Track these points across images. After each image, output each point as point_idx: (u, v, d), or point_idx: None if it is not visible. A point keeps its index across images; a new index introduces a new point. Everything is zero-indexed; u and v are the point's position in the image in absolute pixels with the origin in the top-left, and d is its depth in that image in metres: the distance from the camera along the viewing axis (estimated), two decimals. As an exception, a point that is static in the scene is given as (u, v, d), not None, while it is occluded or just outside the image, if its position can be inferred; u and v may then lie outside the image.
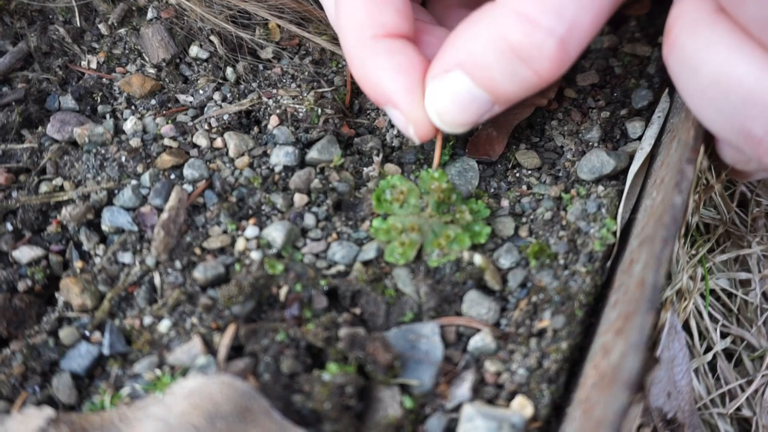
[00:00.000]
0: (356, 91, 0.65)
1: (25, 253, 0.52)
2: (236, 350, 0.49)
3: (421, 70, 0.50)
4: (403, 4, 0.51)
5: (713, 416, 0.54)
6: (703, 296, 0.57)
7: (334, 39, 0.64)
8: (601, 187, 0.58)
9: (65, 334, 0.49)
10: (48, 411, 0.41)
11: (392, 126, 0.63)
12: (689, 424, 0.49)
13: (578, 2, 0.44)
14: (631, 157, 0.59)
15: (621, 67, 0.68)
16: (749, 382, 0.55)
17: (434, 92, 0.50)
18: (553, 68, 0.46)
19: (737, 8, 0.40)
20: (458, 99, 0.49)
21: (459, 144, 0.63)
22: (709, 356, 0.55)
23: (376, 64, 0.50)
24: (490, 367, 0.49)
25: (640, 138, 0.61)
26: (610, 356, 0.42)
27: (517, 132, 0.64)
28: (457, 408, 0.47)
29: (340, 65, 0.65)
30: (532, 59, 0.45)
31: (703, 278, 0.57)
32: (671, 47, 0.44)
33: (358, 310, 0.52)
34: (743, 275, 0.59)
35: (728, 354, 0.58)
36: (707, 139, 0.52)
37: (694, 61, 0.43)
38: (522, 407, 0.47)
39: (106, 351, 0.48)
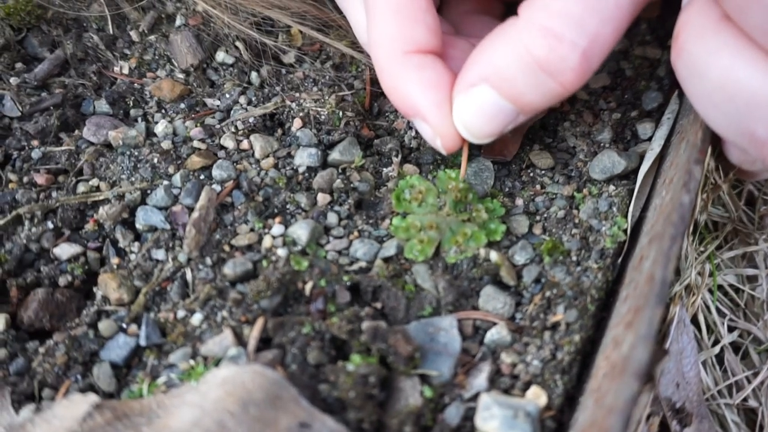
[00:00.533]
0: (375, 95, 0.67)
1: (65, 250, 0.55)
2: (265, 342, 0.51)
3: (449, 85, 0.53)
4: (434, 21, 0.53)
5: (720, 407, 0.56)
6: (711, 291, 0.59)
7: (354, 44, 0.67)
8: (612, 187, 0.60)
9: (104, 326, 0.52)
10: (93, 397, 0.44)
11: (410, 128, 0.65)
12: (697, 414, 0.52)
13: (599, 15, 0.46)
14: (642, 157, 0.61)
15: (632, 69, 0.70)
16: (755, 374, 0.57)
17: (461, 106, 0.52)
18: (577, 79, 0.48)
19: (742, 16, 0.42)
20: (484, 111, 0.51)
21: (475, 145, 0.66)
22: (717, 349, 0.57)
23: (407, 78, 0.53)
24: (506, 358, 0.51)
25: (650, 139, 0.63)
26: (621, 348, 0.45)
27: (530, 133, 0.66)
28: (475, 397, 0.50)
29: (359, 69, 0.68)
30: (557, 72, 0.47)
31: (711, 274, 0.59)
32: (679, 52, 0.47)
33: (379, 305, 0.55)
34: (750, 271, 0.61)
35: (735, 347, 0.60)
36: (714, 141, 0.54)
37: (701, 66, 0.45)
38: (536, 397, 0.49)
39: (142, 342, 0.51)
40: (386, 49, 0.53)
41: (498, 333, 0.52)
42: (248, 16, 0.65)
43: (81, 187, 0.57)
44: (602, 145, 0.64)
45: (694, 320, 0.57)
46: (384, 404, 0.49)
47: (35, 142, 0.59)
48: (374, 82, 0.67)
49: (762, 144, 0.45)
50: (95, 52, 0.63)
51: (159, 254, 0.55)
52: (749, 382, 0.56)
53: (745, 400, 0.56)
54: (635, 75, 0.69)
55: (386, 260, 0.57)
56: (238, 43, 0.66)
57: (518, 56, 0.48)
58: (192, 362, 0.50)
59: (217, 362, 0.49)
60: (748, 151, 0.47)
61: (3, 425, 0.43)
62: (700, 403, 0.53)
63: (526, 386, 0.50)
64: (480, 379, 0.50)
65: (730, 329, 0.59)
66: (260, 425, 0.42)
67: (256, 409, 0.43)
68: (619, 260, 0.56)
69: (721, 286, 0.61)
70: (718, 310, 0.59)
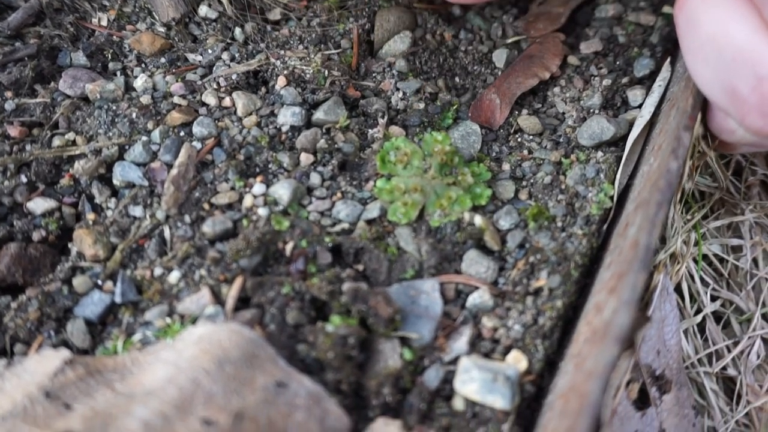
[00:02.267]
0: (362, 54, 0.65)
1: (39, 205, 0.53)
2: (243, 301, 0.50)
3: None
4: None
5: (700, 375, 0.56)
6: (695, 260, 0.59)
7: (341, 0, 0.65)
8: (600, 153, 0.59)
9: (78, 282, 0.51)
10: (65, 352, 0.43)
11: (397, 89, 0.64)
12: (676, 381, 0.52)
13: None
14: (631, 124, 0.60)
15: (624, 35, 0.69)
16: (736, 344, 0.57)
17: None
18: None
19: None
20: None
21: (462, 109, 0.64)
22: (699, 318, 0.57)
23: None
24: (487, 323, 0.51)
25: (640, 106, 0.62)
26: (603, 313, 0.44)
27: (519, 98, 0.65)
28: (455, 361, 0.49)
29: (346, 28, 0.66)
30: None
31: (696, 243, 0.59)
32: (681, 4, 0.47)
33: (361, 267, 0.54)
34: (735, 241, 0.61)
35: (717, 316, 0.60)
36: (704, 108, 0.54)
37: (697, 16, 0.46)
38: (516, 361, 0.49)
39: (118, 299, 0.50)
40: None
41: (480, 297, 0.52)
42: (233, -31, 0.63)
43: (56, 141, 0.56)
44: (591, 111, 0.63)
45: (678, 289, 0.57)
46: (363, 366, 0.49)
47: (9, 94, 0.57)
48: (361, 41, 0.66)
49: (742, 102, 0.45)
50: (72, 2, 0.61)
51: (136, 211, 0.54)
52: (729, 351, 0.56)
53: (724, 368, 0.56)
54: (628, 41, 0.68)
55: (369, 222, 0.56)
56: (222, -3, 0.64)
57: None
58: (168, 320, 0.49)
59: (193, 320, 0.49)
60: (728, 111, 0.47)
61: (-28, 379, 0.42)
62: (680, 370, 0.53)
63: (507, 350, 0.49)
64: (460, 342, 0.50)
65: (713, 298, 0.59)
66: (236, 383, 0.42)
67: (231, 367, 0.42)
68: (605, 227, 0.56)
69: (706, 255, 0.60)
70: (702, 279, 0.58)
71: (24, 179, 0.54)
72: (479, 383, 0.46)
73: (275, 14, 0.66)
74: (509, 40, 0.69)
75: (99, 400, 0.41)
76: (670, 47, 0.66)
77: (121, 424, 0.37)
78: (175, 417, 0.38)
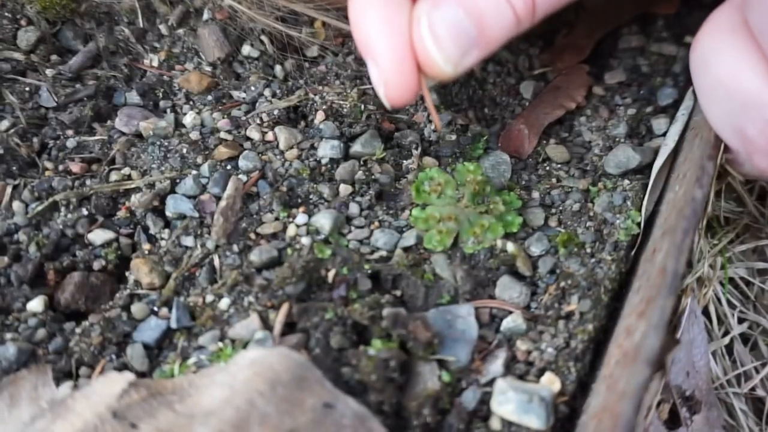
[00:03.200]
0: (396, 88, 0.69)
1: (98, 236, 0.57)
2: (289, 326, 0.53)
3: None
4: None
5: (729, 395, 0.58)
6: (722, 284, 0.61)
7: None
8: (626, 181, 0.62)
9: (136, 309, 0.54)
10: (129, 375, 0.47)
11: (429, 121, 0.67)
12: (706, 402, 0.53)
13: None
14: (656, 152, 0.63)
15: (648, 66, 0.71)
16: (764, 365, 0.58)
17: (430, 18, 0.49)
18: (528, 12, 0.49)
19: (754, 17, 0.45)
20: (450, 28, 0.49)
21: (492, 139, 0.67)
22: (727, 340, 0.59)
23: (368, 14, 0.50)
24: (521, 346, 0.53)
25: (664, 134, 0.65)
26: (633, 336, 0.46)
27: (547, 128, 0.68)
28: (491, 382, 0.52)
29: (380, 63, 0.69)
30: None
31: (722, 267, 0.61)
32: (695, 45, 0.51)
33: (399, 293, 0.57)
34: (761, 265, 0.63)
35: (744, 338, 0.61)
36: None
37: (708, 59, 0.49)
38: (551, 383, 0.51)
39: (173, 325, 0.53)
40: None
41: (514, 321, 0.54)
42: (273, 11, 0.67)
43: (113, 176, 0.60)
44: (617, 139, 0.65)
45: (705, 312, 0.59)
46: (403, 387, 0.51)
47: (70, 132, 0.61)
48: (395, 76, 0.69)
49: (750, 143, 0.48)
50: (126, 44, 0.65)
51: (188, 241, 0.57)
52: (757, 372, 0.58)
53: (753, 389, 0.58)
54: (651, 71, 0.71)
55: (406, 250, 0.59)
56: (263, 37, 0.68)
57: None
58: (220, 344, 0.52)
59: (244, 345, 0.52)
60: (738, 150, 0.50)
61: (46, 399, 0.46)
62: (709, 391, 0.54)
63: (541, 372, 0.52)
64: (496, 365, 0.52)
65: (740, 320, 0.61)
66: (287, 404, 0.45)
67: (283, 389, 0.45)
68: (633, 252, 0.58)
69: (732, 278, 0.62)
70: (729, 302, 0.60)
71: (85, 212, 0.57)
72: (515, 404, 0.49)
73: (313, 51, 0.70)
74: (536, 72, 0.72)
75: (161, 420, 0.44)
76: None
77: (184, 443, 0.40)
78: (234, 436, 0.41)
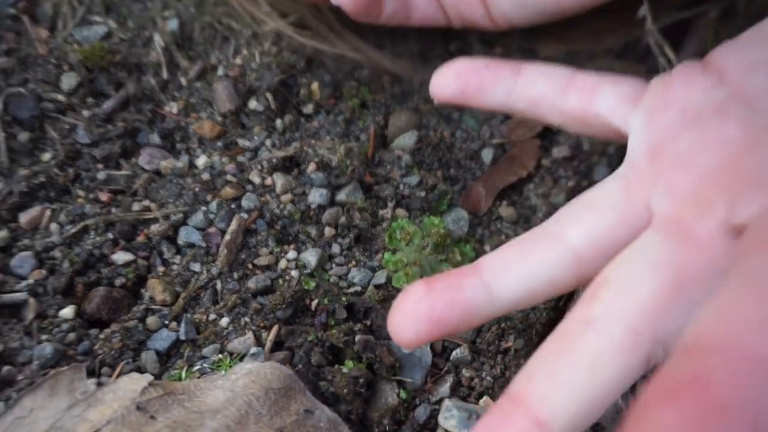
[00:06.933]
0: (377, 146, 0.81)
1: (120, 257, 0.67)
2: (278, 345, 0.64)
3: None
4: None
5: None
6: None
7: (363, 101, 0.81)
8: (562, 243, 0.75)
9: (151, 321, 0.64)
10: (148, 376, 0.57)
11: (402, 176, 0.79)
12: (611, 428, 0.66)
13: None
14: (588, 221, 0.76)
15: (588, 143, 0.85)
16: None
17: None
18: None
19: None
20: None
21: (455, 197, 0.80)
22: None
23: None
24: (466, 373, 0.65)
25: (596, 206, 0.78)
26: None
27: (501, 191, 0.80)
28: (439, 401, 0.63)
29: (366, 124, 0.81)
30: None
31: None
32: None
33: (369, 322, 0.68)
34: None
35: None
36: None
37: None
38: (487, 405, 0.63)
39: (181, 337, 0.63)
40: None
41: (461, 352, 0.66)
42: (278, 73, 0.79)
43: (135, 206, 0.70)
44: (557, 206, 0.78)
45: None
46: (368, 401, 0.62)
47: (100, 166, 0.71)
48: (377, 135, 0.81)
49: None
50: (151, 92, 0.76)
51: (196, 267, 0.68)
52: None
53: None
54: (591, 149, 0.84)
55: (377, 287, 0.70)
56: (267, 95, 0.79)
57: None
58: (220, 356, 0.63)
59: (240, 357, 0.62)
60: None
61: (80, 392, 0.56)
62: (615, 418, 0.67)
63: (480, 396, 0.63)
64: (444, 387, 0.64)
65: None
66: (277, 408, 0.56)
67: (274, 395, 0.56)
68: (561, 303, 0.71)
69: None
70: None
71: (110, 236, 0.67)
72: (457, 419, 0.61)
73: (308, 108, 0.81)
74: (495, 141, 0.85)
75: (175, 414, 0.54)
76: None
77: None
78: (236, 430, 0.52)
